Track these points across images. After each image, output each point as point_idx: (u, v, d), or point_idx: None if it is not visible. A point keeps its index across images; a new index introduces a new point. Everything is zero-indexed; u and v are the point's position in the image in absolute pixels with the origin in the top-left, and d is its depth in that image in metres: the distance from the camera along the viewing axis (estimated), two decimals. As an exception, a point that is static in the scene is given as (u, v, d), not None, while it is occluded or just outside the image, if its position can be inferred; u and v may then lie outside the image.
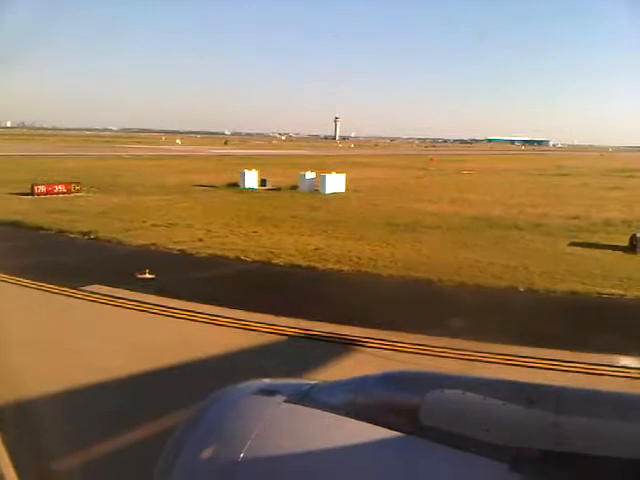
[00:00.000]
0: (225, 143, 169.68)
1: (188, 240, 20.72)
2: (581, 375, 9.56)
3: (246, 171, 42.26)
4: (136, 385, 8.86)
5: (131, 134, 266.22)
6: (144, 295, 13.53)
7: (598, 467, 1.99)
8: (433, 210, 30.55)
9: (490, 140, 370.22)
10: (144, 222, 24.38)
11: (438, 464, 2.15)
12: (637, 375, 9.61)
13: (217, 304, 12.87)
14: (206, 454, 2.39)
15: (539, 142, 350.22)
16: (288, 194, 38.27)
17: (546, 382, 2.64)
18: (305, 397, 2.52)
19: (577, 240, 22.15)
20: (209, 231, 22.66)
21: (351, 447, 2.25)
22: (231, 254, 18.49)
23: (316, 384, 2.70)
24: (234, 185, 41.59)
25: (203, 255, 18.51)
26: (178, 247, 19.44)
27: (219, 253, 18.66)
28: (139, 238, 20.90)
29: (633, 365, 10.04)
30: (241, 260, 17.87)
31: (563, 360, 10.07)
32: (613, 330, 11.73)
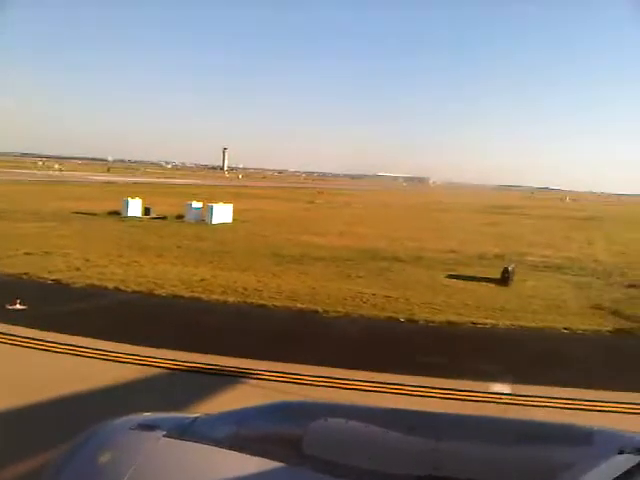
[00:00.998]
0: (108, 170, 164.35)
1: (64, 269, 19.71)
2: (458, 402, 9.92)
3: (129, 199, 40.99)
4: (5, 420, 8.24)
5: (6, 157, 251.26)
6: (14, 327, 12.67)
7: None
8: (320, 242, 30.99)
9: (378, 176, 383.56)
10: (17, 250, 22.94)
11: None
12: (508, 401, 10.12)
13: (94, 337, 12.28)
14: None
15: (420, 179, 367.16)
16: (173, 223, 37.53)
17: (426, 409, 2.71)
18: (186, 431, 2.46)
19: (454, 273, 23.20)
20: (87, 260, 21.70)
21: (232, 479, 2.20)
22: (110, 284, 17.75)
23: (198, 417, 2.64)
24: (116, 213, 40.25)
25: (80, 285, 17.63)
26: (53, 277, 18.41)
27: (97, 283, 17.86)
28: (10, 267, 19.61)
29: (504, 391, 10.56)
30: (121, 290, 17.20)
31: (443, 387, 10.43)
32: (486, 358, 12.30)
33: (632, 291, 20.63)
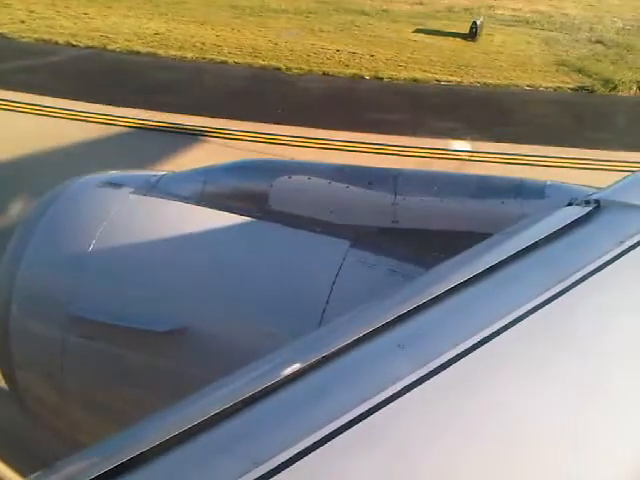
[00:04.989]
0: None
1: (7, 22, 18.25)
2: (417, 159, 10.23)
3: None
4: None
5: None
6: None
7: (428, 239, 2.22)
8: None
9: None
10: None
11: (286, 244, 2.30)
12: (466, 157, 10.47)
13: (49, 94, 11.85)
14: (52, 249, 2.34)
15: None
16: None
17: (386, 166, 2.81)
18: (153, 188, 2.49)
19: (421, 27, 22.28)
20: (32, 12, 20.00)
21: (202, 233, 2.31)
22: (60, 39, 16.68)
23: (164, 175, 2.67)
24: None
25: (27, 40, 16.57)
26: (-5, 30, 17.18)
27: (46, 37, 16.76)
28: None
29: (462, 148, 10.87)
30: (72, 45, 16.25)
31: (400, 145, 10.66)
32: (448, 117, 12.42)
33: (598, 47, 20.31)
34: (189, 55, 16.05)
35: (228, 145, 10.34)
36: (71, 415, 2.40)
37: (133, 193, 2.40)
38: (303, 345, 1.17)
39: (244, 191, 2.43)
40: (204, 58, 15.91)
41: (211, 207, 2.35)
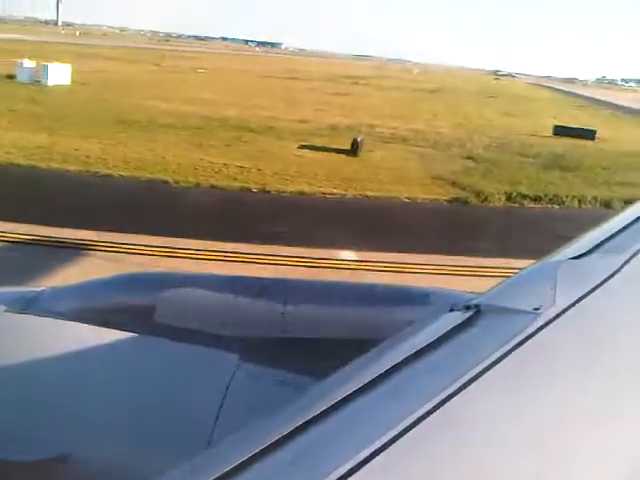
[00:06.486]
0: None
1: None
2: (306, 268, 10.35)
3: (-52, 55, 36.24)
4: None
5: None
6: None
7: (319, 348, 2.18)
8: (167, 109, 29.63)
9: (225, 39, 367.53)
10: None
11: (172, 360, 2.19)
12: (355, 266, 10.73)
13: None
14: None
15: (272, 44, 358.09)
16: (3, 84, 33.98)
17: (274, 276, 2.80)
18: (30, 305, 2.34)
19: (305, 143, 23.35)
20: None
21: (81, 352, 2.16)
22: None
23: (43, 291, 2.52)
24: None
25: None
26: None
27: None
28: None
29: (348, 257, 11.16)
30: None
31: (290, 256, 10.79)
32: (334, 228, 12.79)
33: (469, 163, 22.07)
34: (72, 168, 15.79)
35: (111, 259, 10.06)
36: None
37: (7, 311, 2.25)
38: (190, 469, 1.10)
39: (128, 305, 2.32)
40: (88, 171, 15.71)
41: (92, 323, 2.21)
